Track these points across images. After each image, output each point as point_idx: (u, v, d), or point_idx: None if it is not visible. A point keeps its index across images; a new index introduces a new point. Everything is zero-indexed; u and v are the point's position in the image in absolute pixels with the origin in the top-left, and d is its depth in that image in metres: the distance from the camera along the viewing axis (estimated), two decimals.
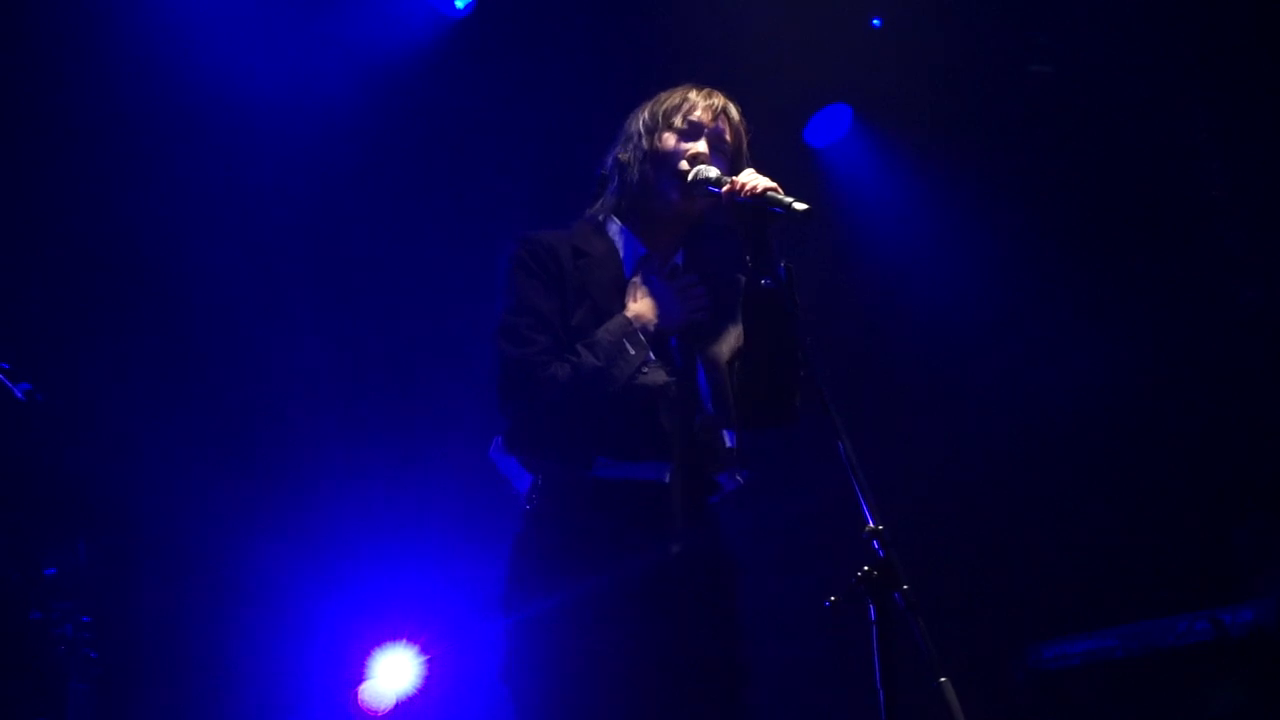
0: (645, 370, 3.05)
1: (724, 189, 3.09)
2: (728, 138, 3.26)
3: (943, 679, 2.41)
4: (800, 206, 2.93)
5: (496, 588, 3.11)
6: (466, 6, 5.45)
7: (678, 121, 3.25)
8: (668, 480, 3.06)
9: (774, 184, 3.03)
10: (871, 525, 2.52)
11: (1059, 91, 5.77)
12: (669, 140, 3.23)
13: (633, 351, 3.05)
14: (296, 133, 5.29)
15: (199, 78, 5.14)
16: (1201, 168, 5.71)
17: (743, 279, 3.28)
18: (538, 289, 3.15)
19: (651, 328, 3.12)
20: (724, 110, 3.28)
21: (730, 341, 3.23)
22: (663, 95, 3.31)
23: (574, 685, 2.95)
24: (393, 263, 5.54)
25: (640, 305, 3.14)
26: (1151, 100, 5.68)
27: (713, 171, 3.14)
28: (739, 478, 3.17)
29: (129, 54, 5.07)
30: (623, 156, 3.27)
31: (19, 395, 4.09)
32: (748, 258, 3.08)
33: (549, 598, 2.99)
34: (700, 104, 3.26)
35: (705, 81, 3.35)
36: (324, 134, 5.34)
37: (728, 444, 3.13)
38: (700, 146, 3.22)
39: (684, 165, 3.19)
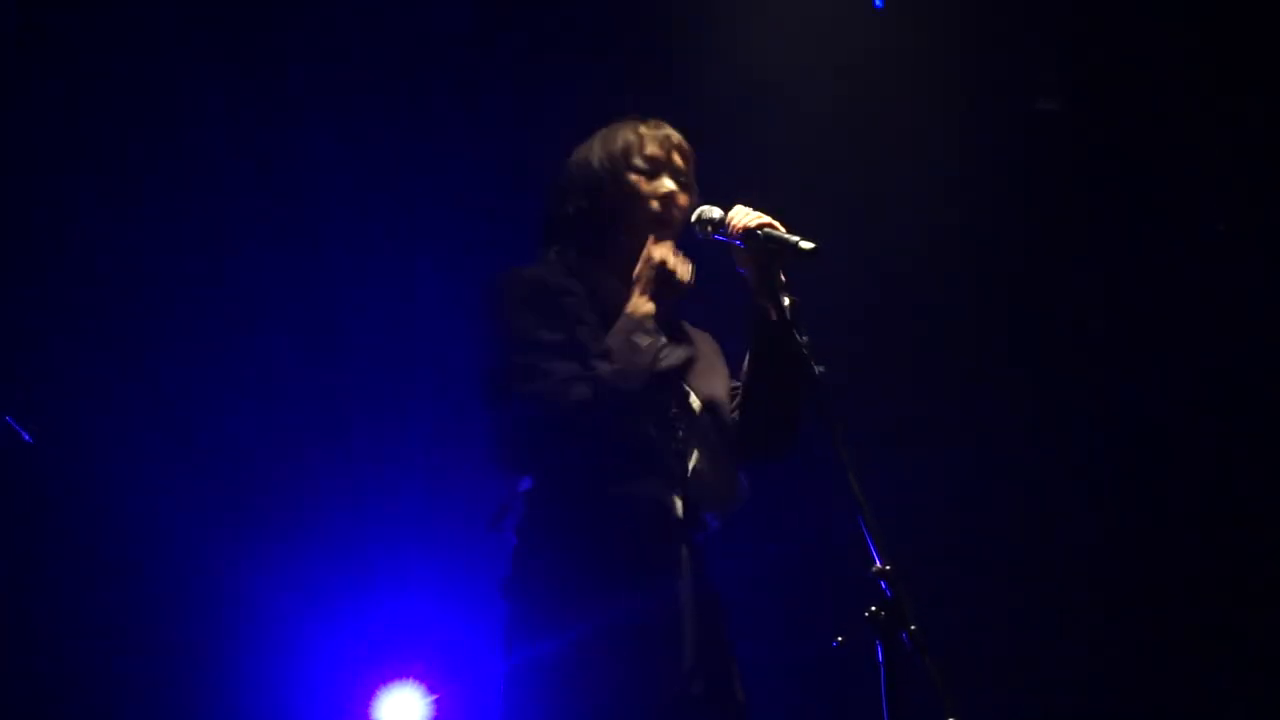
0: (664, 355, 2.95)
1: (729, 228, 2.98)
2: (681, 163, 3.18)
3: (950, 718, 2.40)
4: (807, 245, 2.84)
5: (498, 628, 3.01)
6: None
7: (637, 161, 3.15)
8: (674, 504, 2.95)
9: (770, 220, 2.94)
10: (879, 564, 2.50)
11: (1065, 127, 5.76)
12: (634, 182, 3.13)
13: (646, 341, 2.93)
14: (300, 151, 5.29)
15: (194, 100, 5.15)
16: (1207, 200, 5.71)
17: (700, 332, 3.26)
18: (538, 320, 2.94)
19: (656, 315, 2.99)
20: (672, 139, 3.19)
21: (718, 384, 3.16)
22: (607, 135, 3.20)
23: None
24: (406, 292, 5.51)
25: (636, 300, 3.00)
26: (1159, 132, 5.68)
27: (716, 212, 3.04)
28: (724, 517, 3.07)
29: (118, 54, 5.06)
30: (579, 206, 3.14)
31: (27, 438, 4.10)
32: (751, 292, 3.01)
33: (553, 637, 2.88)
34: (650, 137, 3.17)
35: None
36: (326, 153, 5.32)
37: (729, 480, 3.06)
38: (668, 184, 3.13)
39: (654, 205, 3.11)
